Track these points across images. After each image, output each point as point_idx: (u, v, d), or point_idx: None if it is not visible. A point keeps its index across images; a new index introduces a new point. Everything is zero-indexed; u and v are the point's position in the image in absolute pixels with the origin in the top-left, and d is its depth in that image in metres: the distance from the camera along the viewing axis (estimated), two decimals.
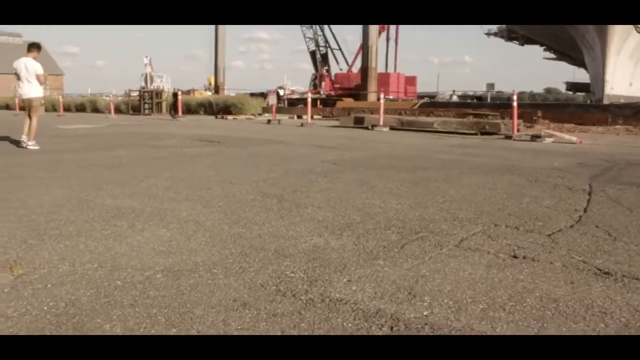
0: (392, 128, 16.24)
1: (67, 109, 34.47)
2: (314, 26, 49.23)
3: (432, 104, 27.11)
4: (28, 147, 10.10)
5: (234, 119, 24.12)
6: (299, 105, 30.63)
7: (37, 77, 10.26)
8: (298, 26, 50.45)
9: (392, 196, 5.31)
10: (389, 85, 40.17)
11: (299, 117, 23.72)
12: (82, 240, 3.64)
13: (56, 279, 2.90)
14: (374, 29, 35.56)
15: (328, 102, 34.56)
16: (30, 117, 10.42)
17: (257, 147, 10.48)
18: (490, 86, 54.26)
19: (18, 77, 10.34)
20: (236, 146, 10.53)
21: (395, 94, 41.15)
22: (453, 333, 2.30)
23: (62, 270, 3.04)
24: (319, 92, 42.68)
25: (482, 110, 19.37)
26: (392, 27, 48.18)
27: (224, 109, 28.08)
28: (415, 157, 8.93)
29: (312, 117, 19.85)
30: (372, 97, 33.34)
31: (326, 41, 50.22)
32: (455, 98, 47.30)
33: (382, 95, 18.25)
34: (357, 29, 40.16)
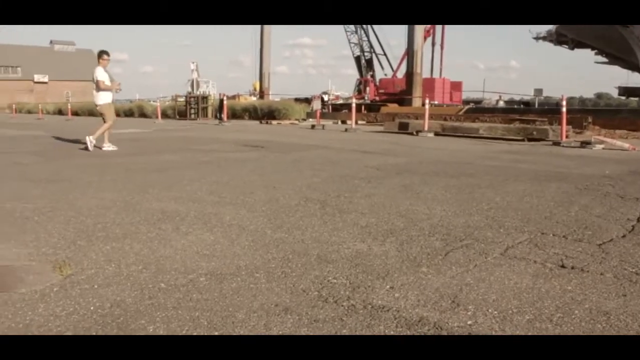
0: (436, 134, 16.08)
1: (116, 114, 35.34)
2: (358, 31, 49.35)
3: (477, 110, 26.77)
4: (103, 148, 10.73)
5: (278, 124, 24.28)
6: (343, 111, 30.70)
7: (97, 84, 10.81)
8: (342, 31, 50.66)
9: (437, 202, 5.24)
10: (434, 90, 39.81)
11: (343, 122, 23.74)
12: (128, 243, 3.71)
13: (102, 279, 2.96)
14: (419, 33, 35.37)
15: (372, 108, 34.54)
16: (104, 121, 11.14)
17: (301, 152, 10.52)
18: (538, 91, 53.23)
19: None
20: (280, 151, 10.60)
21: (441, 99, 40.79)
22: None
23: (108, 271, 3.11)
24: (363, 98, 42.64)
25: (529, 116, 19.02)
26: (438, 32, 47.88)
27: (268, 114, 28.31)
28: (460, 163, 8.81)
29: (356, 123, 19.83)
30: (416, 102, 33.16)
31: (371, 46, 50.27)
32: (501, 103, 46.53)
33: (427, 101, 18.08)
34: (402, 34, 40.01)
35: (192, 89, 31.61)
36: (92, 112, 40.76)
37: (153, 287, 2.86)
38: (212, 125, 22.87)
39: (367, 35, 49.87)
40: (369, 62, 50.31)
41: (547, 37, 55.96)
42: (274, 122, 25.21)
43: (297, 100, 33.67)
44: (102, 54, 10.95)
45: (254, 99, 43.64)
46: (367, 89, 45.26)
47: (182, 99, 32.30)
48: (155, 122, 25.86)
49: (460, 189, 6.06)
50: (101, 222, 4.30)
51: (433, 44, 48.42)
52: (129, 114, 37.17)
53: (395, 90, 42.16)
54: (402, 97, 36.58)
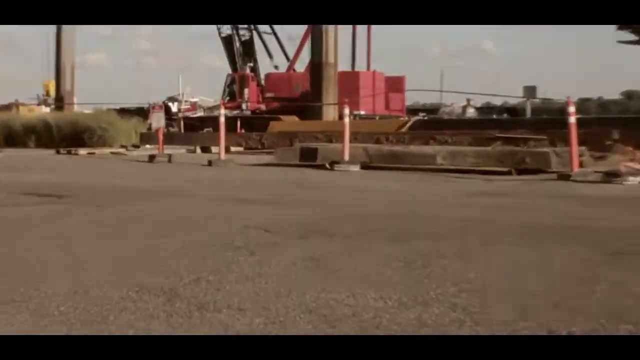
0: (364, 166, 16.35)
1: None
2: None
3: (432, 123, 27.58)
4: None
5: (90, 154, 23.97)
6: (205, 130, 30.78)
7: None
8: None
9: (368, 286, 5.23)
10: (359, 91, 40.44)
11: (205, 149, 23.75)
12: None
13: None
14: None
15: (255, 123, 34.73)
16: None
17: (132, 204, 10.43)
18: (530, 90, 55.53)
19: None
20: (94, 203, 10.45)
21: (370, 107, 41.54)
22: None
23: None
24: (239, 106, 42.93)
25: (517, 132, 19.73)
26: None
27: (72, 138, 27.95)
28: (406, 215, 8.95)
29: (227, 150, 19.87)
30: (329, 112, 33.55)
31: None
32: (471, 112, 48.25)
33: (346, 110, 18.24)
34: None
35: None
36: None
37: None
38: None
39: None
40: (248, 46, 50.78)
41: None
42: (83, 151, 24.90)
43: (123, 111, 33.44)
44: None
45: (46, 110, 43.03)
46: (246, 90, 45.53)
47: None
48: None
49: (408, 260, 6.10)
50: None
51: None
52: None
53: (292, 92, 42.71)
54: (305, 105, 36.94)
